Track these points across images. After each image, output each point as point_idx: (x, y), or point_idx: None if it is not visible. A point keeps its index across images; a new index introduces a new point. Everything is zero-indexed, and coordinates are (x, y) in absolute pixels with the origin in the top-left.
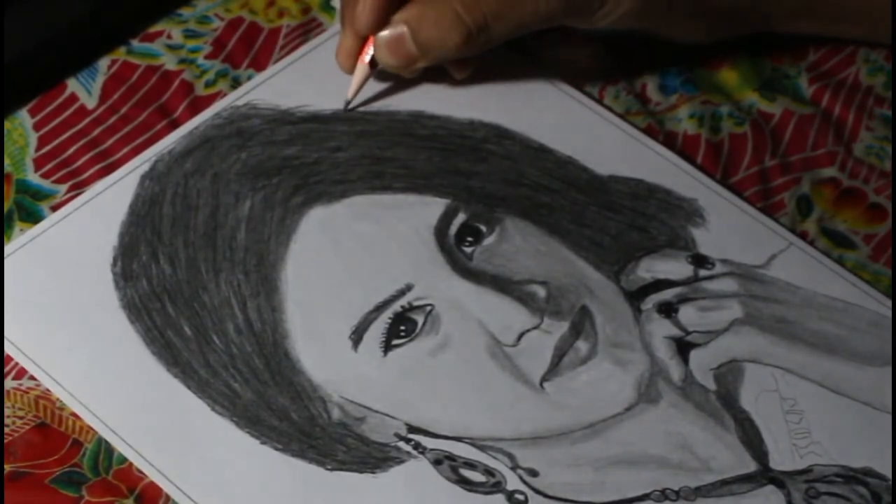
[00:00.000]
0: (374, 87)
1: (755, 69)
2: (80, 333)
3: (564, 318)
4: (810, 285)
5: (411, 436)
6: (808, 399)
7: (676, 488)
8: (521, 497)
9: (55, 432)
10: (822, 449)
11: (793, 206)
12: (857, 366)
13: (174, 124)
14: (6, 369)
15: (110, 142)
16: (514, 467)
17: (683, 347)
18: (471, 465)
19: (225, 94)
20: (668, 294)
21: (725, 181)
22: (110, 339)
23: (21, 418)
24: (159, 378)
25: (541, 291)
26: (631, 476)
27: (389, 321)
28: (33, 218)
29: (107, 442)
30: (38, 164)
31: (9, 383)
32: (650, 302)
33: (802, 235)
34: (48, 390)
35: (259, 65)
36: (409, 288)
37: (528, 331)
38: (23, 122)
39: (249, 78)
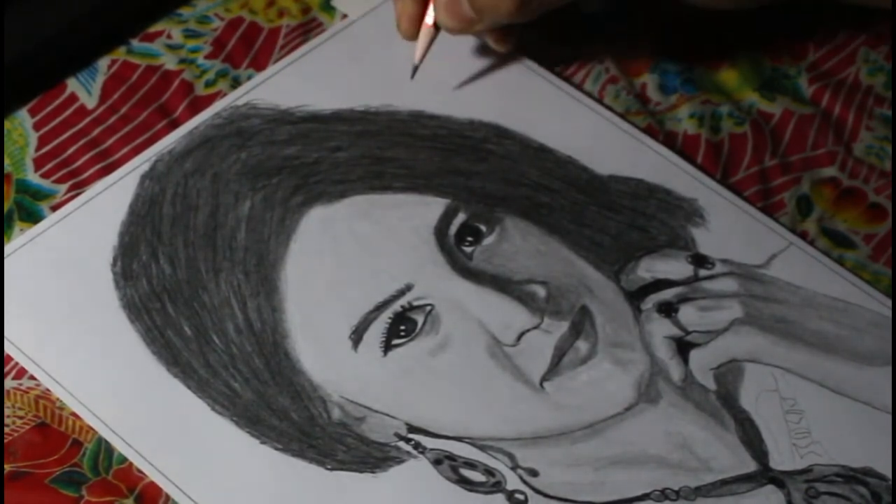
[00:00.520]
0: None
1: (755, 69)
2: (80, 333)
3: (564, 318)
4: (810, 285)
5: (411, 436)
6: (808, 399)
7: (676, 488)
8: (521, 497)
9: (55, 432)
10: (822, 449)
11: (793, 205)
12: (857, 366)
13: (174, 124)
14: (6, 369)
15: (110, 142)
16: (514, 467)
17: (683, 347)
18: (471, 464)
19: (225, 94)
20: (668, 294)
21: (725, 181)
22: (110, 339)
23: (21, 418)
24: (159, 378)
25: (541, 291)
26: (631, 476)
27: (389, 321)
28: (33, 218)
29: (107, 442)
30: (38, 163)
31: (9, 383)
32: (650, 302)
33: (802, 235)
34: (48, 390)
35: (259, 65)
36: (409, 288)
37: (528, 331)
38: (23, 121)
39: (249, 78)
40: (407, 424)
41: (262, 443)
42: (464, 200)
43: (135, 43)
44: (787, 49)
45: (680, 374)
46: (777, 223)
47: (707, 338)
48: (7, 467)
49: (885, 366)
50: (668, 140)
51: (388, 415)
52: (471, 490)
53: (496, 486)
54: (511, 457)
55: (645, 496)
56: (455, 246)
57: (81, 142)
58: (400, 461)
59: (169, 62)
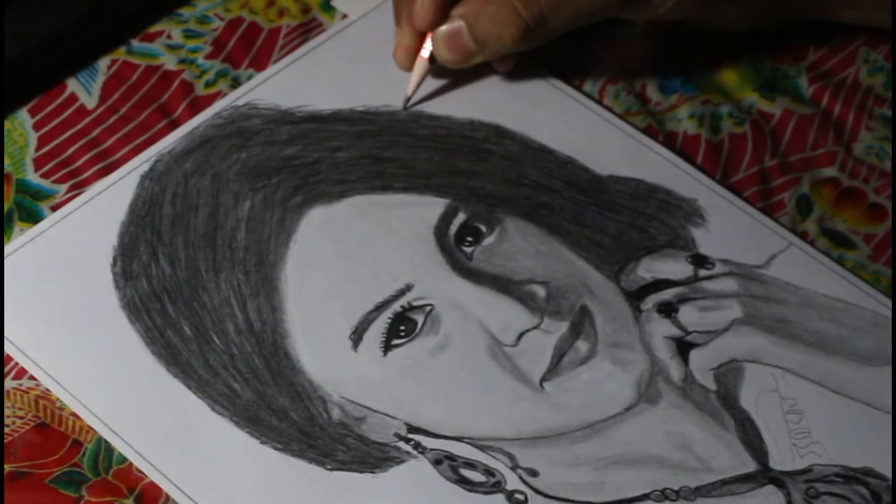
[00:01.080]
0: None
1: (755, 69)
2: (80, 333)
3: (564, 318)
4: (810, 285)
5: (411, 436)
6: (808, 399)
7: (676, 488)
8: (520, 497)
9: (55, 432)
10: (822, 449)
11: (793, 206)
12: (857, 366)
13: (174, 124)
14: (6, 369)
15: (110, 142)
16: (514, 467)
17: (683, 347)
18: (471, 464)
19: (225, 94)
20: (668, 294)
21: (725, 181)
22: (110, 339)
23: (21, 418)
24: (159, 378)
25: (541, 291)
26: (631, 476)
27: (389, 321)
28: (33, 218)
29: (107, 442)
30: (38, 164)
31: (9, 383)
32: (650, 302)
33: (802, 235)
34: (48, 390)
35: (259, 65)
36: (409, 288)
37: (527, 331)
38: (23, 122)
39: (249, 78)
40: (407, 424)
41: (262, 443)
42: (464, 200)
43: (135, 43)
44: (787, 49)
45: (680, 374)
46: (777, 223)
47: (707, 338)
48: (7, 467)
49: (884, 366)
50: (668, 140)
51: (387, 415)
52: (471, 490)
53: (496, 486)
54: (511, 457)
55: (645, 496)
56: (455, 246)
57: (81, 142)
58: (400, 461)
59: (169, 62)
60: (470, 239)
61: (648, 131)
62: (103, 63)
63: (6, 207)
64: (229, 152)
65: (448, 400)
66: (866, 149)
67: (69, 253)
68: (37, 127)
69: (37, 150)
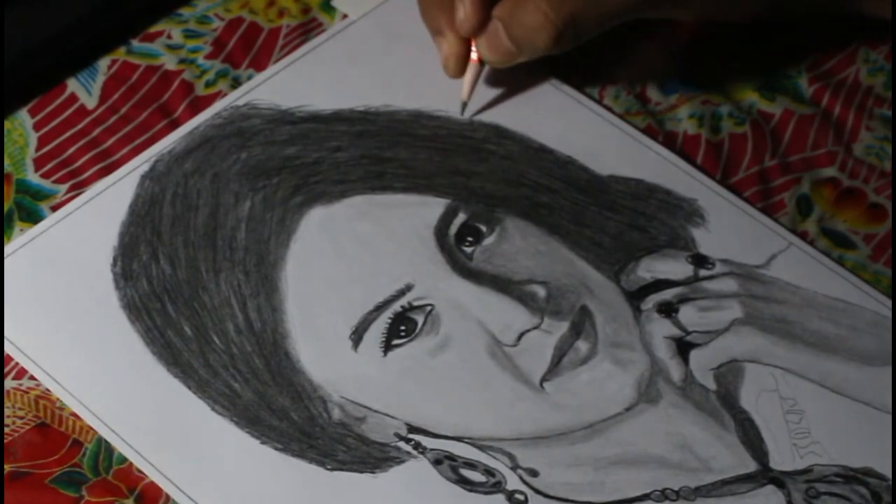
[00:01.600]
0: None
1: (755, 69)
2: (80, 333)
3: (564, 318)
4: (810, 285)
5: (411, 436)
6: (808, 399)
7: (676, 488)
8: (521, 497)
9: (55, 432)
10: (822, 449)
11: (793, 206)
12: (857, 366)
13: (174, 124)
14: (6, 369)
15: (110, 142)
16: (514, 467)
17: (683, 347)
18: (471, 465)
19: (225, 94)
20: (668, 294)
21: (725, 181)
22: (110, 339)
23: (21, 418)
24: (159, 378)
25: (541, 291)
26: (631, 476)
27: (389, 321)
28: (33, 218)
29: (107, 442)
30: (38, 164)
31: (9, 383)
32: (650, 302)
33: (802, 235)
34: (48, 390)
35: (259, 65)
36: (409, 288)
37: (528, 331)
38: (23, 122)
39: (249, 78)
40: (407, 424)
41: (263, 443)
42: (464, 200)
43: (135, 43)
44: (787, 49)
45: (680, 374)
46: (777, 223)
47: (707, 338)
48: (7, 467)
49: (884, 366)
50: (668, 140)
51: (388, 415)
52: (471, 490)
53: (496, 487)
54: (511, 457)
55: (645, 496)
56: (455, 246)
57: (81, 142)
58: (400, 461)
59: (169, 62)
60: (470, 239)
61: (648, 131)
62: (103, 63)
63: (6, 207)
64: (229, 152)
65: (448, 400)
66: (866, 149)
67: (69, 253)
68: (37, 127)
69: (37, 150)
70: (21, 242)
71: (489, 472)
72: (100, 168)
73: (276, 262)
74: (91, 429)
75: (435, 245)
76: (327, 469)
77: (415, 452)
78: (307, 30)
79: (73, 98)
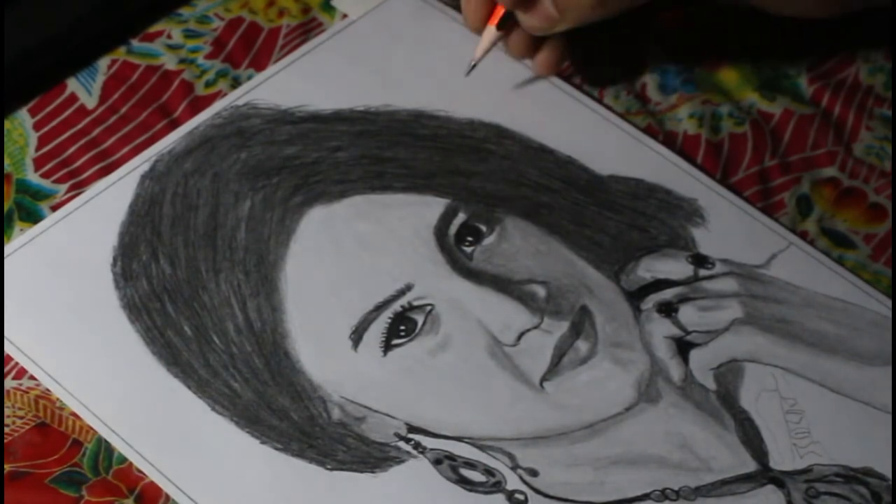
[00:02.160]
0: (375, 87)
1: (755, 69)
2: (80, 333)
3: (564, 318)
4: (810, 285)
5: (411, 435)
6: (808, 399)
7: (676, 488)
8: (521, 497)
9: (55, 432)
10: (822, 449)
11: (793, 205)
12: (857, 366)
13: (174, 124)
14: (6, 369)
15: (110, 142)
16: (514, 467)
17: (683, 347)
18: (471, 464)
19: (225, 94)
20: (668, 294)
21: (725, 181)
22: (110, 339)
23: (21, 418)
24: (159, 378)
25: (541, 291)
26: (631, 476)
27: (389, 321)
28: (33, 218)
29: (107, 442)
30: (38, 163)
31: (9, 383)
32: (650, 302)
33: (802, 235)
34: (48, 390)
35: (259, 64)
36: (409, 288)
37: (527, 330)
38: (23, 121)
39: (249, 78)
40: (407, 424)
41: (262, 443)
42: (464, 200)
43: (135, 43)
44: (787, 49)
45: (680, 374)
46: (777, 223)
47: (707, 338)
48: (7, 467)
49: (884, 366)
50: (668, 140)
51: (388, 415)
52: (471, 490)
53: (496, 486)
54: (511, 457)
55: (645, 496)
56: (455, 246)
57: (81, 142)
58: (400, 461)
59: (169, 62)
60: (470, 239)
61: (648, 131)
62: (103, 63)
63: (6, 207)
64: (229, 152)
65: (448, 400)
66: (866, 149)
67: (69, 253)
68: (37, 127)
69: (37, 149)
70: (21, 242)
71: (489, 471)
72: (100, 168)
73: (276, 262)
74: (91, 429)
75: (435, 245)
76: (327, 469)
77: (415, 452)
78: (307, 30)
79: (73, 98)
